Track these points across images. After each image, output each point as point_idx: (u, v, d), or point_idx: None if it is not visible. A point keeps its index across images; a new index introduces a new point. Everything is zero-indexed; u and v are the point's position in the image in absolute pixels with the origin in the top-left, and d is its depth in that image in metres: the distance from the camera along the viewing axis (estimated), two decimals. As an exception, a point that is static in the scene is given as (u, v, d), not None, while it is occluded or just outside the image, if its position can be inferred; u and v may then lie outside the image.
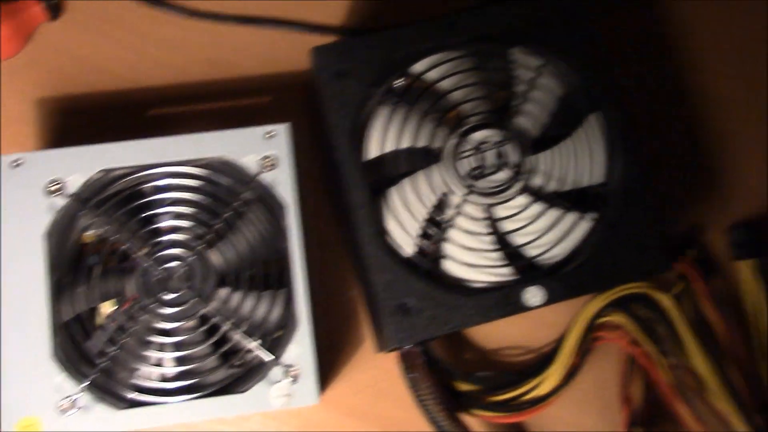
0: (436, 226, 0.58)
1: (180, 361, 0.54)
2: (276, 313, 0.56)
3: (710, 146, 0.71)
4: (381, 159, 0.59)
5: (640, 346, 0.64)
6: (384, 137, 0.59)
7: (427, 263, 0.57)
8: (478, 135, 0.59)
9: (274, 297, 0.56)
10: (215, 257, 0.56)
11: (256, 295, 0.55)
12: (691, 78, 0.73)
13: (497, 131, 0.59)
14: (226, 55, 0.70)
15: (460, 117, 0.60)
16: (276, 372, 0.54)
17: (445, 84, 0.60)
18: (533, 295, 0.57)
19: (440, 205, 0.59)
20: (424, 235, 0.58)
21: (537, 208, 0.58)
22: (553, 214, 0.58)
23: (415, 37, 0.60)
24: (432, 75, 0.60)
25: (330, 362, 0.64)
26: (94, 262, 0.55)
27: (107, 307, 0.55)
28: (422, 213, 0.58)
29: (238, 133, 0.57)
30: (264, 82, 0.69)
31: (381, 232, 0.57)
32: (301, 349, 0.55)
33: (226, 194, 0.57)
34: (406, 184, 0.59)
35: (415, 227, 0.58)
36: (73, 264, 0.55)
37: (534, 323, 0.67)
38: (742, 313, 0.67)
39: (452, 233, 0.58)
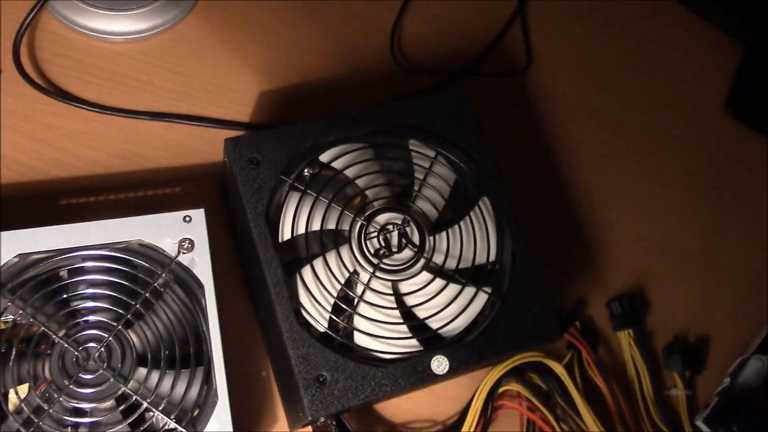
0: (347, 302, 0.62)
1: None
2: (194, 391, 0.57)
3: (589, 227, 0.80)
4: (294, 241, 0.63)
5: (538, 412, 0.69)
6: (296, 221, 0.63)
7: (339, 337, 0.60)
8: (383, 217, 0.64)
9: (192, 375, 0.57)
10: (134, 337, 0.57)
11: (174, 373, 0.57)
12: (570, 165, 0.82)
13: (400, 214, 0.64)
14: (138, 148, 0.73)
15: (366, 202, 0.65)
16: None
17: (350, 172, 0.65)
18: (439, 363, 0.61)
19: (350, 283, 0.63)
20: (337, 311, 0.62)
21: (438, 283, 0.63)
22: (452, 288, 0.63)
23: (321, 130, 0.65)
24: (337, 164, 0.65)
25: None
26: (6, 347, 0.55)
27: (23, 391, 0.55)
28: (333, 290, 0.62)
29: (156, 218, 0.60)
30: (175, 173, 0.73)
31: (296, 309, 0.60)
32: (219, 425, 0.56)
33: (145, 276, 0.59)
34: (318, 263, 0.62)
35: (327, 303, 0.61)
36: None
37: (439, 397, 0.71)
38: (627, 378, 0.74)
39: (362, 308, 0.62)
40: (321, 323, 0.61)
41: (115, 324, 0.57)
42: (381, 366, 0.60)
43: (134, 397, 0.55)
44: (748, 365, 0.74)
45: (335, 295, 0.62)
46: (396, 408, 0.70)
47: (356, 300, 0.62)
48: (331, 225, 0.63)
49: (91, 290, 0.57)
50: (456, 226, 0.65)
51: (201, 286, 0.59)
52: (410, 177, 0.67)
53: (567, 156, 0.82)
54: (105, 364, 0.56)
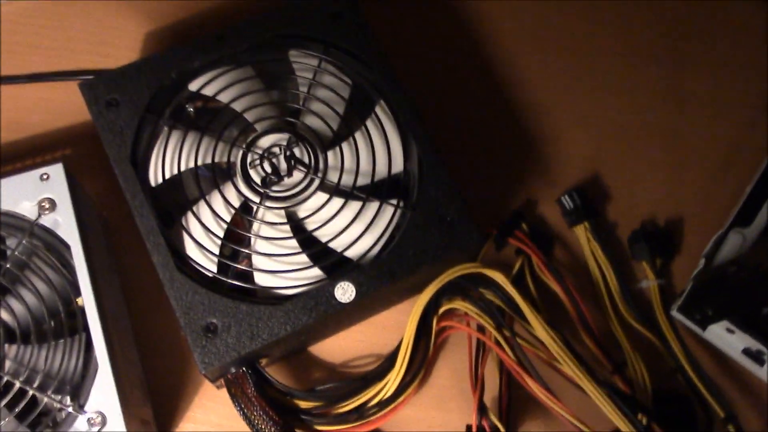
0: (241, 242, 0.56)
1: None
2: (72, 362, 0.52)
3: (528, 121, 0.72)
4: (171, 183, 0.57)
5: (486, 329, 0.62)
6: (169, 161, 0.57)
7: (231, 278, 0.55)
8: (266, 141, 0.58)
9: (68, 345, 0.52)
10: (2, 313, 0.53)
11: (49, 346, 0.52)
12: (495, 53, 0.73)
13: (285, 135, 0.58)
14: (20, 115, 0.68)
15: (246, 127, 0.59)
16: (81, 423, 0.51)
17: (224, 97, 0.58)
18: (344, 291, 0.54)
19: (239, 221, 0.57)
20: (232, 254, 0.56)
21: (336, 203, 0.57)
22: (353, 207, 0.57)
23: (184, 57, 0.58)
24: (208, 90, 0.59)
25: (169, 405, 0.61)
26: None
27: None
28: (220, 230, 0.56)
29: (8, 181, 0.55)
30: (63, 134, 0.67)
31: (179, 256, 0.55)
32: (103, 395, 0.51)
33: (4, 245, 0.54)
34: (201, 204, 0.57)
35: (214, 246, 0.55)
36: None
37: (379, 329, 0.65)
38: (592, 277, 0.66)
39: (259, 244, 0.56)
40: (210, 268, 0.55)
41: None
42: (279, 304, 0.54)
43: (4, 378, 0.51)
44: (726, 242, 0.65)
45: (222, 235, 0.56)
46: (331, 348, 0.64)
47: (251, 236, 0.56)
48: (207, 159, 0.57)
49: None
50: (351, 139, 0.58)
51: (67, 246, 0.54)
52: (294, 92, 0.60)
53: (491, 40, 0.73)
54: None
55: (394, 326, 0.64)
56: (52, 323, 0.53)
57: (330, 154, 0.58)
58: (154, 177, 0.57)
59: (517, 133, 0.71)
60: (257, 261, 0.56)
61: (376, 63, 0.60)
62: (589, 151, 0.71)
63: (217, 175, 0.57)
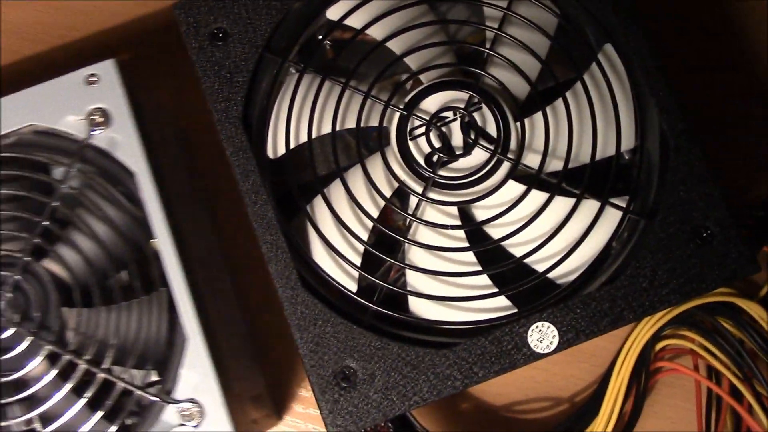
0: (386, 248, 0.39)
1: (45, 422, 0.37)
2: (153, 328, 0.38)
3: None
4: (294, 156, 0.40)
5: (723, 377, 0.43)
6: (295, 123, 0.40)
7: (375, 304, 0.38)
8: (434, 101, 0.39)
9: (147, 307, 0.38)
10: (53, 268, 0.39)
11: (119, 309, 0.38)
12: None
13: (463, 92, 0.39)
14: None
15: (407, 79, 0.40)
16: (170, 414, 0.37)
17: (376, 31, 0.40)
18: (542, 335, 0.37)
19: (390, 215, 0.40)
20: (370, 264, 0.39)
21: (536, 200, 0.38)
22: (560, 206, 0.38)
23: (323, -31, 0.40)
24: (354, 21, 0.40)
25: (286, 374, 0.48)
26: None
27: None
28: (363, 230, 0.39)
29: (45, 87, 0.40)
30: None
31: (305, 264, 0.38)
32: (197, 374, 0.37)
33: (48, 177, 0.40)
34: (335, 190, 0.39)
35: (353, 253, 0.38)
36: None
37: (557, 358, 0.47)
38: None
39: (412, 254, 0.39)
40: (346, 286, 0.38)
41: (20, 255, 0.38)
42: (444, 346, 0.37)
43: (68, 354, 0.37)
44: None
45: (368, 237, 0.39)
46: (497, 385, 0.47)
47: (402, 241, 0.38)
48: (350, 123, 0.39)
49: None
50: (559, 102, 0.39)
51: (131, 174, 0.39)
52: (479, 30, 0.41)
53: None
54: (17, 316, 0.38)
55: (585, 354, 0.47)
56: (122, 279, 0.39)
57: (527, 123, 0.39)
58: (274, 146, 0.40)
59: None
60: (414, 280, 0.38)
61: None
62: None
63: (362, 147, 0.39)
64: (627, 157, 0.40)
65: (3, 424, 0.38)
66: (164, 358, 0.38)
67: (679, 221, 0.37)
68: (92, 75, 0.40)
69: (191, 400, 0.37)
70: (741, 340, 0.44)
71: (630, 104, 0.39)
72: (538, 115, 0.39)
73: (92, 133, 0.39)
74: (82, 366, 0.37)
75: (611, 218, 0.38)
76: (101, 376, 0.37)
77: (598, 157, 0.38)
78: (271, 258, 0.38)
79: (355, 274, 0.38)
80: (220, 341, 0.39)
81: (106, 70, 0.40)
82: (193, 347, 0.38)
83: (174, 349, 0.38)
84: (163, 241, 0.38)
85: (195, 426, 0.37)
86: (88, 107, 0.40)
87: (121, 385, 0.37)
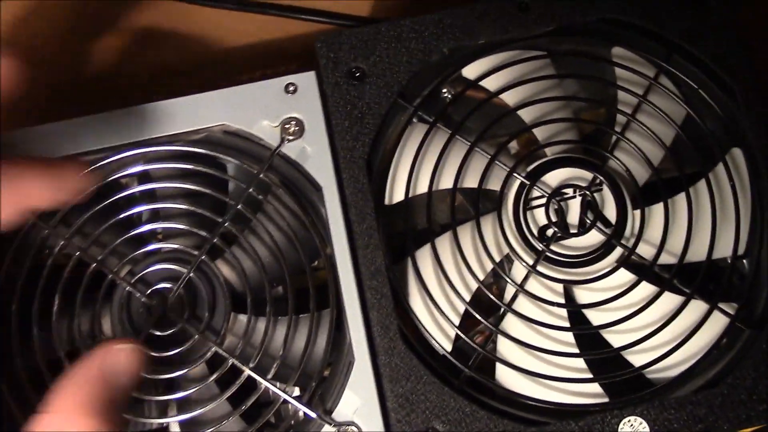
0: (485, 312, 0.38)
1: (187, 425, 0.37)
2: (319, 346, 0.38)
3: None
4: (408, 204, 0.40)
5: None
6: (415, 172, 0.40)
7: (469, 368, 0.37)
8: (557, 175, 0.39)
9: (316, 324, 0.38)
10: (225, 271, 0.39)
11: (287, 322, 0.37)
12: None
13: (587, 171, 0.39)
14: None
15: (531, 148, 0.40)
16: None
17: (511, 97, 0.40)
18: (634, 430, 0.36)
19: (494, 280, 0.40)
20: (464, 325, 0.38)
21: (641, 291, 0.38)
22: (667, 302, 0.38)
23: (466, 26, 0.40)
24: (490, 82, 0.40)
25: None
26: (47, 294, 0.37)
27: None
28: (466, 290, 0.38)
29: (243, 90, 0.40)
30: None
31: (402, 318, 0.38)
32: (360, 398, 0.37)
33: (234, 179, 0.40)
34: (444, 243, 0.39)
35: (452, 312, 0.38)
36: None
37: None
38: None
39: (508, 323, 0.39)
40: (441, 344, 0.38)
41: (196, 253, 0.38)
42: (534, 424, 0.36)
43: (232, 359, 0.37)
44: None
45: (469, 299, 0.38)
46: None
47: (502, 309, 0.38)
48: (471, 182, 0.39)
49: (156, 206, 0.40)
50: (681, 196, 0.39)
51: (318, 188, 0.39)
52: (610, 109, 0.41)
53: None
54: (186, 314, 0.38)
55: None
56: (291, 290, 0.38)
57: (645, 212, 0.39)
58: (390, 192, 0.40)
59: None
60: (505, 350, 0.38)
61: (744, 87, 0.40)
62: None
63: (474, 207, 0.39)
64: (744, 264, 0.40)
65: (160, 421, 0.37)
66: (322, 377, 0.38)
67: (785, 335, 0.37)
68: (291, 84, 0.40)
69: (351, 423, 0.37)
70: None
71: (748, 211, 0.39)
72: (656, 207, 0.39)
73: (284, 140, 0.39)
74: (246, 373, 0.37)
75: (716, 322, 0.38)
76: (264, 385, 0.36)
77: (714, 258, 0.38)
78: (374, 305, 0.37)
79: (451, 333, 0.38)
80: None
81: (307, 81, 0.40)
82: (360, 369, 0.37)
83: (338, 368, 0.38)
84: (341, 260, 0.38)
85: None
86: (283, 115, 0.39)
87: (283, 397, 0.36)
